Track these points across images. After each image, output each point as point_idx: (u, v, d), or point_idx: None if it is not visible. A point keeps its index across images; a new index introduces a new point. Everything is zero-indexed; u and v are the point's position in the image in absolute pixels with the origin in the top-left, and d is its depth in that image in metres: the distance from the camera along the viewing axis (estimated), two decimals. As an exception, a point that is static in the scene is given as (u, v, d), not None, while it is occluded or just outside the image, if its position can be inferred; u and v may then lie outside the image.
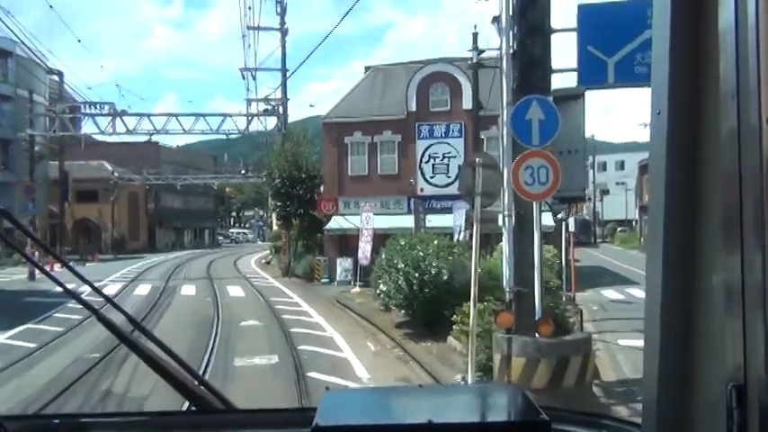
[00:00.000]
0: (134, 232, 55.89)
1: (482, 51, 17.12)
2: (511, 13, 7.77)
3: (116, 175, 51.71)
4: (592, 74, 14.91)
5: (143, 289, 22.98)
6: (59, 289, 1.62)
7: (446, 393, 1.56)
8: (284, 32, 28.58)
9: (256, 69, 29.22)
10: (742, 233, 0.77)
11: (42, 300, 17.51)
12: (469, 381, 7.23)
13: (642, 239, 48.91)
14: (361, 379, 9.36)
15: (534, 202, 7.74)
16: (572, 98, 8.79)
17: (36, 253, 18.86)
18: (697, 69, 0.89)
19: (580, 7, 15.85)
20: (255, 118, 29.56)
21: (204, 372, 9.48)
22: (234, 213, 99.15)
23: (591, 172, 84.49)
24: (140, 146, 50.35)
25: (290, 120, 30.17)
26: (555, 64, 8.58)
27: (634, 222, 64.06)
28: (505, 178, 7.86)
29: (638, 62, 13.75)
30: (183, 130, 28.90)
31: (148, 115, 29.35)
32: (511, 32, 7.82)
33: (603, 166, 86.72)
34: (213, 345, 11.75)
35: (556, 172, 7.47)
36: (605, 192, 78.44)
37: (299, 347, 11.47)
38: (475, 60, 17.15)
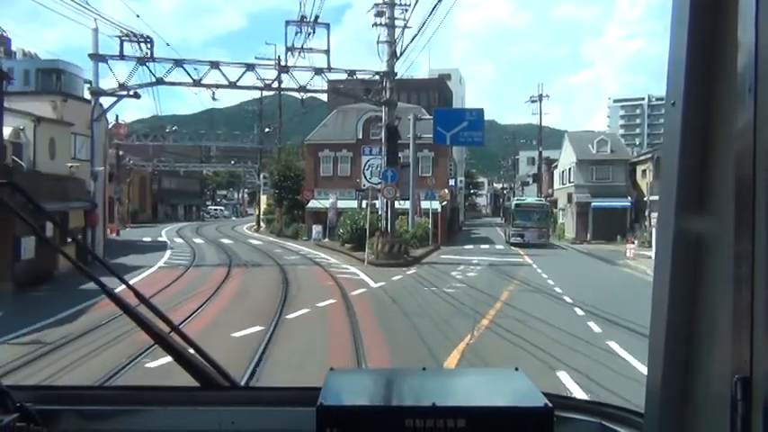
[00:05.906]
0: (142, 207, 70.61)
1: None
2: (384, 140, 24.56)
3: (131, 162, 66.26)
4: (439, 139, 32.93)
5: (197, 240, 38.76)
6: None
7: (450, 376, 1.55)
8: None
9: (260, 108, 45.50)
10: (754, 226, 0.77)
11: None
12: (365, 256, 23.89)
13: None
14: (330, 260, 25.96)
15: (388, 201, 24.63)
16: (406, 165, 25.61)
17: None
18: (714, 60, 0.86)
19: (435, 110, 34.34)
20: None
21: (276, 262, 25.75)
22: (208, 193, 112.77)
23: (515, 166, 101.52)
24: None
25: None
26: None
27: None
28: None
29: (462, 136, 31.17)
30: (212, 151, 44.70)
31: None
32: (383, 147, 24.61)
33: (532, 161, 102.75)
34: (271, 256, 27.97)
35: (395, 190, 24.28)
36: (525, 183, 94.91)
37: (306, 256, 28.06)
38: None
